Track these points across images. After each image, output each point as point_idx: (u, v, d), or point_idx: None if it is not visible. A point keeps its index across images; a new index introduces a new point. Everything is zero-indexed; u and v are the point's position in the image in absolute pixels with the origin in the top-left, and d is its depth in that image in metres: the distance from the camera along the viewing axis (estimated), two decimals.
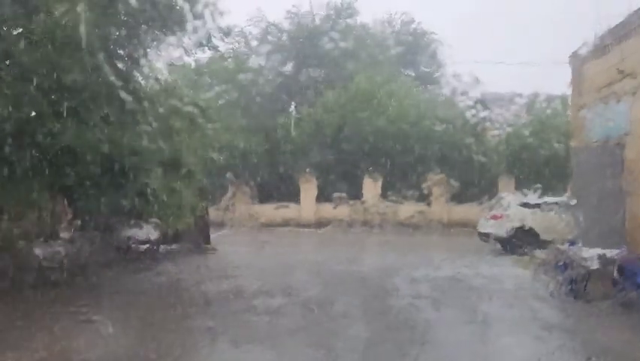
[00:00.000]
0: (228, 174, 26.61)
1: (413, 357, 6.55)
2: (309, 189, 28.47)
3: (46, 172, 9.99)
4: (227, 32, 12.18)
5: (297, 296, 10.15)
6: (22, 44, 9.00)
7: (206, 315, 8.85)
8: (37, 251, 11.15)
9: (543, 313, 8.79)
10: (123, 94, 10.12)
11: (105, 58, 9.71)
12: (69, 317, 8.49)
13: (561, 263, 10.47)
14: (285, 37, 33.84)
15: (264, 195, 28.95)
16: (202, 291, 11.03)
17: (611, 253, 9.44)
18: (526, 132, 27.68)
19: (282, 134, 29.25)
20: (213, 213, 21.86)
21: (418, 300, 9.80)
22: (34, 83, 9.17)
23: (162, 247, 16.06)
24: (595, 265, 9.41)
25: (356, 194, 28.37)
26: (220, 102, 26.86)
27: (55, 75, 8.81)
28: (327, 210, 28.06)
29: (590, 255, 9.54)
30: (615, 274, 9.20)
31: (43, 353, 6.64)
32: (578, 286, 9.65)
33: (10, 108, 8.98)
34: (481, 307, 9.21)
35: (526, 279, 11.91)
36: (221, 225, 24.44)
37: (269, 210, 28.23)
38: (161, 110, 11.29)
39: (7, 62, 9.40)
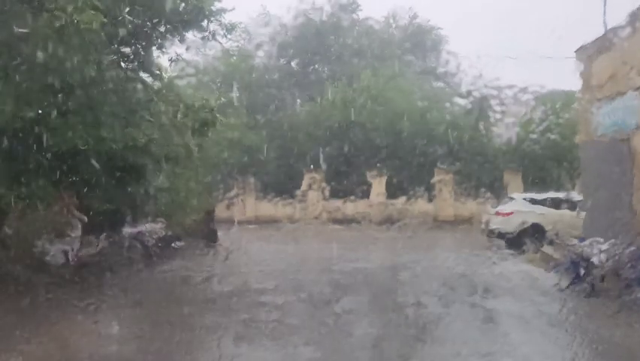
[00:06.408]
0: (235, 172, 26.64)
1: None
2: (314, 186, 28.42)
3: (54, 170, 10.01)
4: (231, 29, 12.15)
5: (305, 293, 10.15)
6: (29, 43, 9.00)
7: (212, 313, 8.85)
8: (45, 249, 11.18)
9: (552, 310, 8.75)
10: (130, 92, 10.13)
11: (112, 56, 9.71)
12: (75, 316, 8.52)
13: (570, 260, 10.40)
14: (290, 34, 33.83)
15: (271, 192, 28.97)
16: (211, 289, 11.05)
17: (621, 248, 9.36)
18: (532, 127, 27.56)
19: (287, 131, 29.25)
20: (220, 210, 21.86)
21: (428, 297, 9.78)
22: (42, 82, 9.17)
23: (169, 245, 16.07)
24: (604, 261, 9.35)
25: (362, 190, 28.35)
26: (224, 100, 26.88)
27: (62, 73, 8.80)
28: (334, 206, 28.04)
29: (600, 251, 9.48)
30: (625, 270, 9.13)
31: (51, 351, 6.66)
32: (588, 283, 9.59)
33: (18, 107, 9.00)
34: (491, 304, 9.17)
35: (535, 276, 11.85)
36: (227, 222, 24.42)
37: (275, 207, 28.23)
38: (168, 107, 11.29)
39: (15, 61, 9.39)
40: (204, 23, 11.85)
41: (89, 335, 7.65)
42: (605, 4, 14.13)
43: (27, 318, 8.29)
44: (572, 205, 16.60)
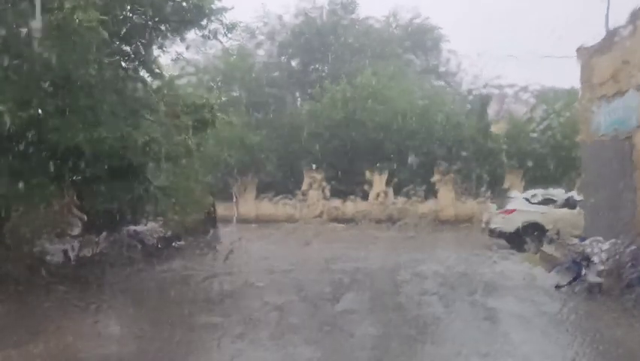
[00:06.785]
0: (235, 171, 26.62)
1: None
2: (315, 186, 28.41)
3: (54, 169, 9.99)
4: (231, 28, 12.14)
5: (306, 292, 10.15)
6: (28, 42, 8.99)
7: (213, 312, 8.85)
8: (45, 248, 11.18)
9: (553, 309, 8.73)
10: (130, 91, 10.12)
11: (112, 55, 9.69)
12: (75, 316, 8.50)
13: (571, 259, 10.40)
14: (290, 32, 33.83)
15: (271, 192, 28.96)
16: (211, 288, 11.05)
17: (621, 248, 9.35)
18: (533, 126, 27.55)
19: (288, 130, 29.23)
20: (220, 210, 21.83)
21: (429, 296, 9.77)
22: (42, 81, 9.16)
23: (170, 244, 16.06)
24: (605, 260, 9.33)
25: (362, 190, 28.34)
26: (224, 99, 26.90)
27: (62, 72, 8.79)
28: (334, 205, 28.03)
29: (601, 250, 9.47)
30: (626, 269, 9.12)
31: (51, 351, 6.65)
32: (589, 282, 9.57)
33: (18, 106, 8.99)
34: (491, 304, 9.16)
35: (535, 275, 11.82)
36: (226, 221, 24.41)
37: (275, 206, 28.21)
38: (168, 106, 11.28)
39: (15, 60, 9.38)
40: (204, 22, 11.85)
41: (89, 334, 7.64)
42: (608, 4, 14.13)
43: (27, 318, 8.29)
44: (574, 204, 16.59)
